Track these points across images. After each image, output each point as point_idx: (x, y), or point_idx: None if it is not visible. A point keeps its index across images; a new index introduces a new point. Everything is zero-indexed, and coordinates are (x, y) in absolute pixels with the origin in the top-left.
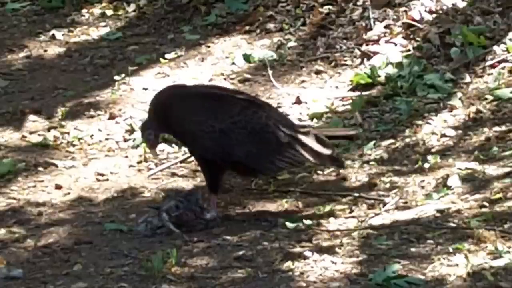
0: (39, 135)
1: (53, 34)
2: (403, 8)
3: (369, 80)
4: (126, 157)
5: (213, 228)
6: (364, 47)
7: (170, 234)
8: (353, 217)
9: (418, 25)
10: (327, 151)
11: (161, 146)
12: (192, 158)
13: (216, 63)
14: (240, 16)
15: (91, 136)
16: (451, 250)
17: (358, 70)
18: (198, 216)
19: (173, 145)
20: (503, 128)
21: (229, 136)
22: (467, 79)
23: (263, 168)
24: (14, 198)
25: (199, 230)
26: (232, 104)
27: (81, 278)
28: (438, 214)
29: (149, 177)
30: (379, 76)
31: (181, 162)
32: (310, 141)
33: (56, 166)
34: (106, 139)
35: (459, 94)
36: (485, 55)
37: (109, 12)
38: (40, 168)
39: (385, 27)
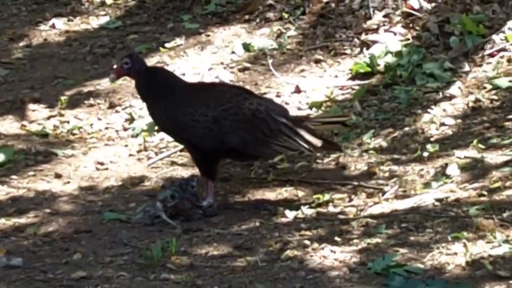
0: (39, 124)
1: (53, 23)
2: None
3: (369, 69)
4: (126, 146)
5: (210, 216)
6: (363, 36)
7: (169, 223)
8: (352, 206)
9: (417, 14)
10: (317, 142)
11: (161, 134)
12: None
13: (216, 52)
14: (240, 5)
15: (91, 125)
16: (450, 238)
17: (358, 59)
18: (194, 204)
19: None
20: (502, 116)
21: (223, 124)
22: (466, 68)
23: (259, 152)
24: (14, 187)
25: (197, 219)
26: (222, 92)
27: (81, 267)
28: (437, 203)
29: (148, 166)
30: (379, 65)
31: (180, 151)
32: (301, 130)
33: (56, 155)
34: (106, 128)
35: (458, 83)
36: (484, 44)
37: (109, 1)
38: (40, 157)
39: (384, 16)
